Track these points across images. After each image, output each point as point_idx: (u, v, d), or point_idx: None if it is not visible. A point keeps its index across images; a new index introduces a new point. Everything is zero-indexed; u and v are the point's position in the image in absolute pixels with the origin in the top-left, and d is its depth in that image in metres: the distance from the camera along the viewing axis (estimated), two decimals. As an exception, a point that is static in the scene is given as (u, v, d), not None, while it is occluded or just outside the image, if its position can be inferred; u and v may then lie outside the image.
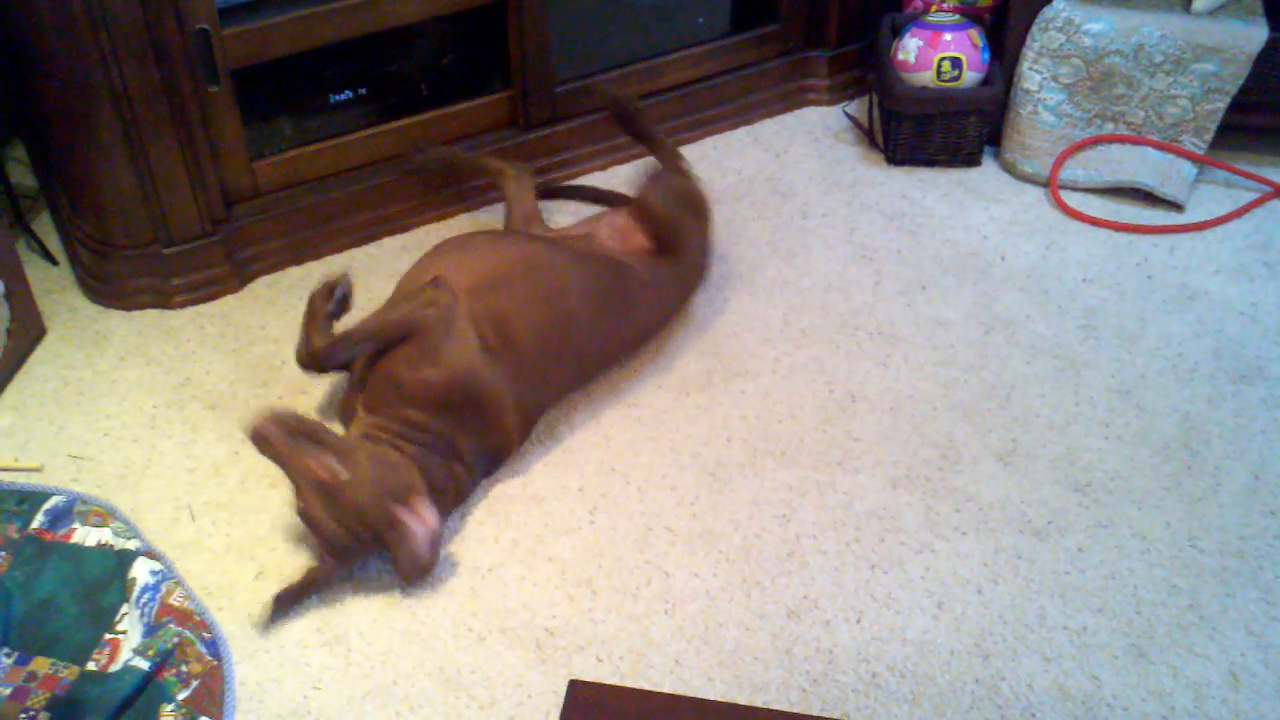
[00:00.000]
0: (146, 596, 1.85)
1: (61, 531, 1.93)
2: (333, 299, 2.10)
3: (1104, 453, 2.17)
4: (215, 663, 1.80)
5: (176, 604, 1.85)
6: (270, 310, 2.48)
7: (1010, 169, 2.83)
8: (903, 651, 1.86)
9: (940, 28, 2.77)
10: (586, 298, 2.21)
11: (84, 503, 2.00)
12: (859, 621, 1.90)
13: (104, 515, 1.98)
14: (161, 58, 2.24)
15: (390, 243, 2.64)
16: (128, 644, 1.79)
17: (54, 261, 2.59)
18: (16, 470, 2.13)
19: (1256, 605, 1.92)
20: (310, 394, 2.29)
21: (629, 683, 1.82)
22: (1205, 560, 1.99)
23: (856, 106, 3.05)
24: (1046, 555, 2.00)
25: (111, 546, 1.92)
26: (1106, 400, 2.27)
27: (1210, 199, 2.74)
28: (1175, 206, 2.71)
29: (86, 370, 2.35)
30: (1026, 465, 2.15)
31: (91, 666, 1.76)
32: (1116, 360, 2.35)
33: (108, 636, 1.80)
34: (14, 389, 2.31)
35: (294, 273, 2.57)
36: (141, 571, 1.88)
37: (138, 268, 2.44)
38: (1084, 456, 2.16)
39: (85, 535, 1.94)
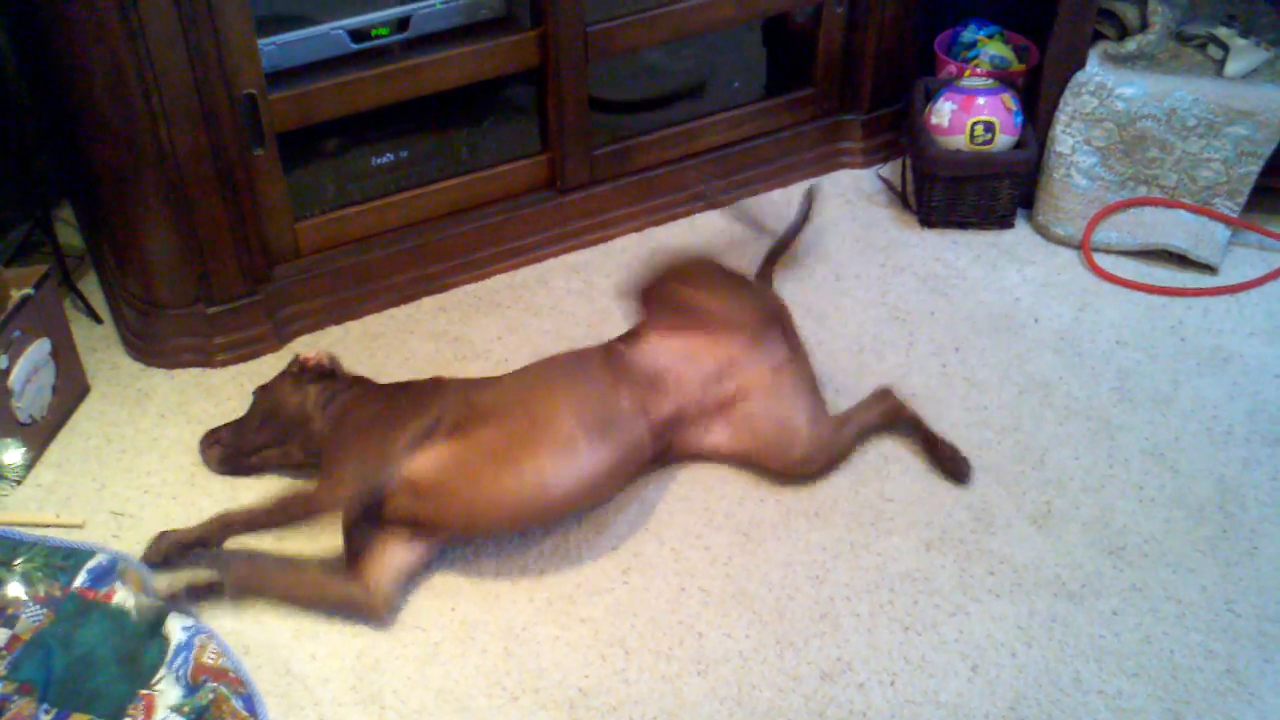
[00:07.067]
0: (181, 657, 1.86)
1: (103, 591, 1.95)
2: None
3: (1138, 515, 2.16)
4: (251, 719, 1.81)
5: (210, 661, 1.86)
6: (310, 369, 2.51)
7: (1043, 231, 2.85)
8: (937, 715, 1.85)
9: (974, 92, 2.79)
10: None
11: (125, 562, 2.01)
12: (893, 684, 1.90)
13: (141, 580, 1.99)
14: (209, 121, 2.29)
15: (429, 303, 2.67)
16: (164, 701, 1.80)
17: (98, 320, 2.64)
18: (59, 526, 2.17)
19: (1294, 671, 1.91)
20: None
21: (662, 743, 1.82)
22: (1242, 624, 1.97)
23: (890, 169, 3.07)
24: (1081, 618, 1.99)
25: (148, 605, 1.94)
26: (1141, 463, 2.26)
27: (1243, 262, 2.74)
28: (1208, 269, 2.71)
29: (129, 428, 2.38)
30: (1060, 528, 2.14)
31: (129, 722, 1.77)
32: (1150, 423, 2.35)
33: (143, 692, 1.81)
34: (58, 445, 2.34)
35: (333, 332, 2.61)
36: (174, 629, 1.89)
37: (181, 327, 2.49)
38: (1118, 519, 2.16)
39: (126, 597, 1.95)
